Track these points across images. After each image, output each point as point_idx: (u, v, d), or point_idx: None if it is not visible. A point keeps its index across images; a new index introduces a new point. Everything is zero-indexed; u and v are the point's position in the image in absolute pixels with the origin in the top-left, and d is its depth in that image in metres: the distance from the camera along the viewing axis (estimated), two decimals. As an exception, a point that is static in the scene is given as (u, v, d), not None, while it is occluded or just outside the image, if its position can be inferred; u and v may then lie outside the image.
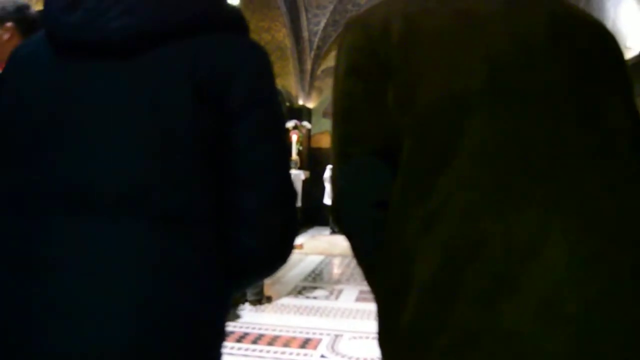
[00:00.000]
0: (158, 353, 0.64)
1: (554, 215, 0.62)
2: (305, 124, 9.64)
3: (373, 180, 0.76)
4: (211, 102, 0.70)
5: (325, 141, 9.72)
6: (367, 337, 3.31)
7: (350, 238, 0.81)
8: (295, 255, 5.95)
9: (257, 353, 3.05)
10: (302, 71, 9.01)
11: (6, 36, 1.53)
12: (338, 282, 4.95)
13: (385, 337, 0.73)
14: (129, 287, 0.63)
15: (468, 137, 0.66)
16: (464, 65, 0.70)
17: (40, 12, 0.77)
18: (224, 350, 0.74)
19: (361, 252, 0.81)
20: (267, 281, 4.46)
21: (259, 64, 0.76)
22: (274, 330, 3.44)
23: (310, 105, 9.84)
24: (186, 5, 0.72)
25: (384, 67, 0.75)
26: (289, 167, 0.82)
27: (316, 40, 8.81)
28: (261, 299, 4.00)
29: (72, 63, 0.71)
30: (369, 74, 0.76)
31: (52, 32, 0.73)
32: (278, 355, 3.02)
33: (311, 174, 8.73)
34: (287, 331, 3.42)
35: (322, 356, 3.01)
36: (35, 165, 0.68)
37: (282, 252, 0.77)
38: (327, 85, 9.40)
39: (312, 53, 8.93)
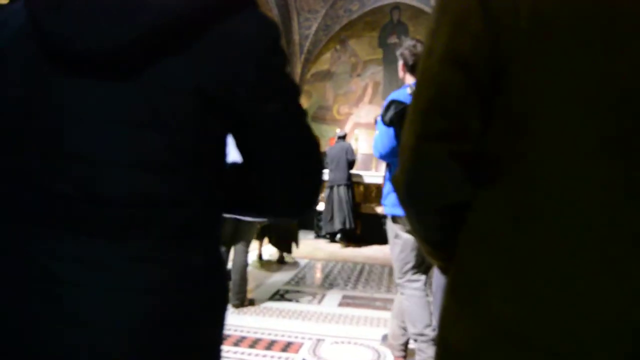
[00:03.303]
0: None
1: None
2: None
3: (447, 185, 0.66)
4: (218, 108, 0.67)
5: (312, 145, 9.74)
6: (349, 342, 3.31)
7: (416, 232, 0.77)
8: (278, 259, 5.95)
9: (238, 355, 3.02)
10: (292, 74, 9.02)
11: None
12: (321, 286, 4.94)
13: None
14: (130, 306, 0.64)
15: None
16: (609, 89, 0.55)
17: None
18: None
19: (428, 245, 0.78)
20: (250, 284, 4.44)
21: (263, 55, 0.69)
22: (255, 332, 3.42)
23: (299, 108, 9.87)
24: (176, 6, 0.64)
25: (498, 60, 0.57)
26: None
27: (307, 44, 8.82)
28: (244, 302, 3.97)
29: (58, 71, 0.64)
30: (476, 66, 0.59)
31: (35, 31, 0.64)
32: (259, 358, 3.00)
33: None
34: (269, 334, 3.41)
35: (304, 360, 3.00)
36: (28, 177, 0.65)
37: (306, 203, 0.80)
38: (317, 89, 9.41)
39: (303, 57, 8.94)
